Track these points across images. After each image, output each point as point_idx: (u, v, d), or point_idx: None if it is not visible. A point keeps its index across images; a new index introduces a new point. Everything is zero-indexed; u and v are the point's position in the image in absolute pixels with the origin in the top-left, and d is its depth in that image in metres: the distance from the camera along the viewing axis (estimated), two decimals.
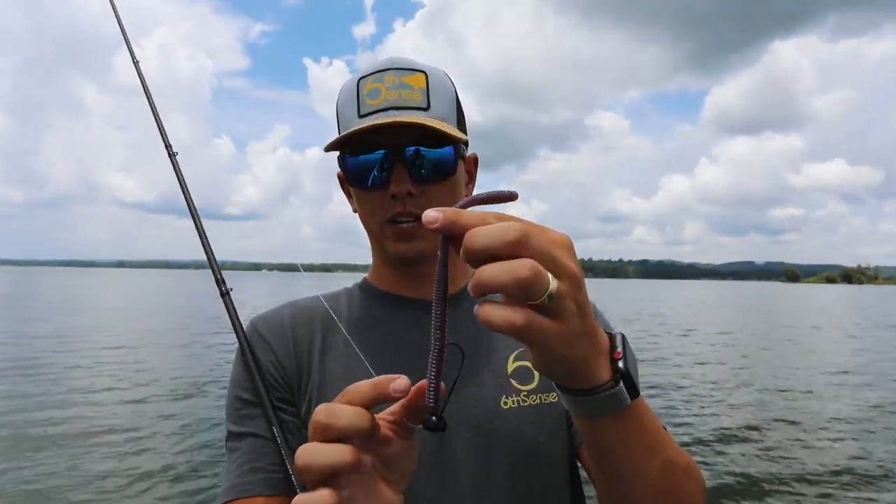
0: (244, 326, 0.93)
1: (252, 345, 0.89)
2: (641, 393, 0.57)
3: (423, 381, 0.50)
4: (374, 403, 0.49)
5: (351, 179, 0.88)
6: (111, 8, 1.35)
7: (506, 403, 0.85)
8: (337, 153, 0.89)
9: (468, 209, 0.45)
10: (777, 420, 8.06)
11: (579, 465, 0.89)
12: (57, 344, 13.55)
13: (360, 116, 0.84)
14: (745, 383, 10.75)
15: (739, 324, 24.41)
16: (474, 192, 0.98)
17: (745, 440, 7.04)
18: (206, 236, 1.07)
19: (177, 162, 1.15)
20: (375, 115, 0.83)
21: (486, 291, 0.43)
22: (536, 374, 0.87)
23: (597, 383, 0.53)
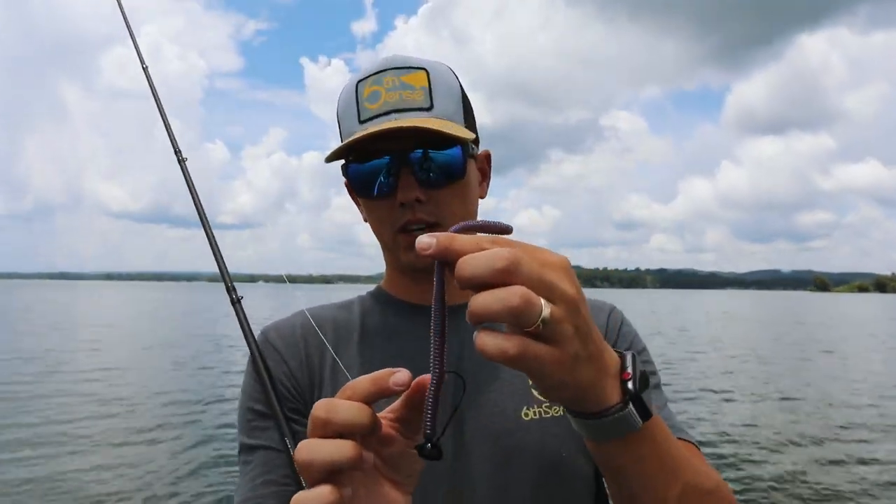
0: (258, 337, 0.94)
1: (264, 355, 0.90)
2: (656, 413, 0.57)
3: (426, 376, 0.50)
4: (375, 398, 0.50)
5: (357, 189, 0.89)
6: (118, 7, 1.41)
7: (527, 415, 0.85)
8: (342, 162, 0.89)
9: (462, 234, 0.47)
10: (832, 462, 7.96)
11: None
12: (43, 365, 13.60)
13: (361, 122, 0.84)
14: (785, 409, 10.63)
15: (767, 337, 24.22)
16: (488, 190, 0.98)
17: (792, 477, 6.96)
18: (216, 243, 1.09)
19: (186, 168, 1.17)
20: (376, 121, 0.83)
21: (479, 321, 0.44)
22: None
23: (604, 406, 0.53)
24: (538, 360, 0.46)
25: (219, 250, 1.08)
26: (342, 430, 0.49)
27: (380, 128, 0.80)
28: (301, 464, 0.49)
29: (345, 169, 0.89)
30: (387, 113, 0.83)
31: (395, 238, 0.87)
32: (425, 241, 0.46)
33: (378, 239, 0.94)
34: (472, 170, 0.90)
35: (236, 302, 1.01)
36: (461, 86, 0.91)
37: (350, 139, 0.82)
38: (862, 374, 13.98)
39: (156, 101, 1.25)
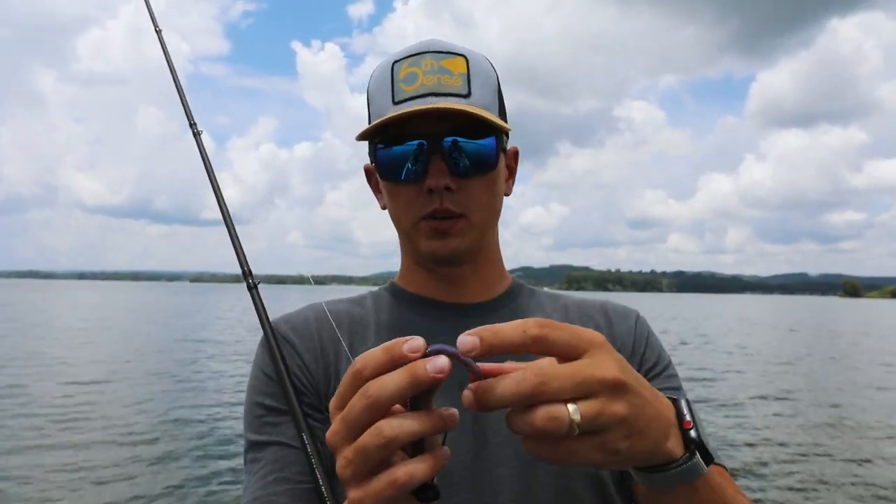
0: (262, 339, 0.95)
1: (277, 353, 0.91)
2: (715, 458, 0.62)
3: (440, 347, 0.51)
4: (389, 369, 0.50)
5: (383, 172, 0.90)
6: None
7: None
8: (367, 143, 0.91)
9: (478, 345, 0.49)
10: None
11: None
12: (7, 376, 13.50)
13: (395, 103, 0.86)
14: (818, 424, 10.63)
15: (798, 347, 24.23)
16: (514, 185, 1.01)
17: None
18: (233, 225, 1.09)
19: (201, 141, 1.19)
20: (412, 102, 0.84)
21: (517, 432, 0.50)
22: None
23: (670, 459, 0.57)
24: (580, 456, 0.50)
25: (236, 233, 1.09)
26: (393, 403, 0.49)
27: (418, 108, 0.82)
28: (383, 444, 0.49)
29: (372, 150, 0.91)
30: (423, 95, 0.84)
31: (417, 225, 0.89)
32: (468, 341, 0.49)
33: (397, 226, 0.96)
34: (502, 163, 0.93)
35: (253, 287, 1.03)
36: (498, 78, 0.94)
37: (385, 117, 0.84)
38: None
39: (170, 68, 1.26)
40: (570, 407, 0.49)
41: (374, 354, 0.51)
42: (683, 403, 0.61)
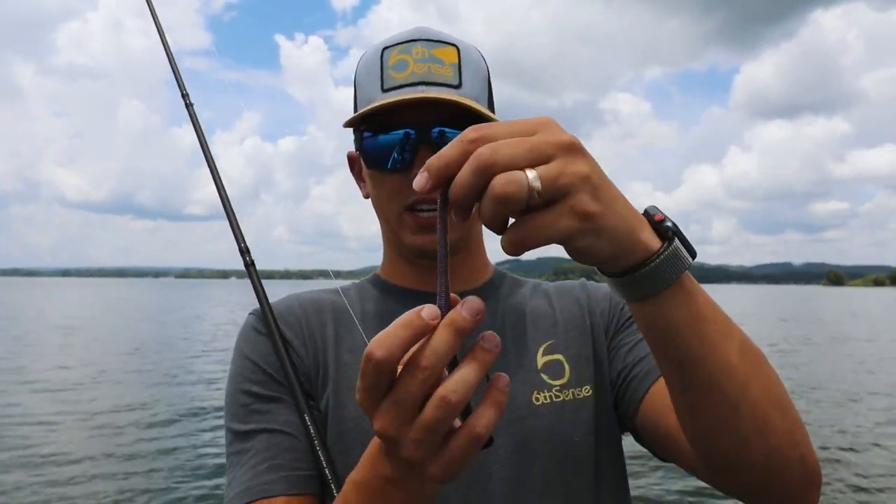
0: (247, 318, 0.94)
1: (262, 333, 0.90)
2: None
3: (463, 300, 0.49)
4: (412, 343, 0.48)
5: (368, 160, 0.89)
6: None
7: (538, 399, 0.87)
8: (352, 131, 0.90)
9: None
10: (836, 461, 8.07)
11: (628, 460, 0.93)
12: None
13: (384, 91, 0.85)
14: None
15: (787, 336, 24.48)
16: None
17: None
18: (228, 199, 1.07)
19: (194, 112, 1.16)
20: (402, 91, 0.83)
21: (492, 227, 0.48)
22: (567, 367, 0.91)
23: (651, 251, 0.53)
24: (550, 224, 0.47)
25: (231, 209, 1.06)
26: (441, 369, 0.48)
27: (408, 97, 0.81)
28: (455, 402, 0.47)
29: (358, 137, 0.89)
30: (413, 84, 0.83)
31: (401, 217, 0.88)
32: (420, 178, 0.48)
33: (380, 218, 0.94)
34: None
35: (250, 265, 1.01)
36: (488, 70, 0.93)
37: (374, 105, 0.83)
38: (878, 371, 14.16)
39: (160, 36, 1.24)
40: (529, 172, 0.46)
41: (394, 335, 0.47)
42: (651, 207, 0.58)
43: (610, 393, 0.92)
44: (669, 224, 0.55)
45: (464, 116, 0.83)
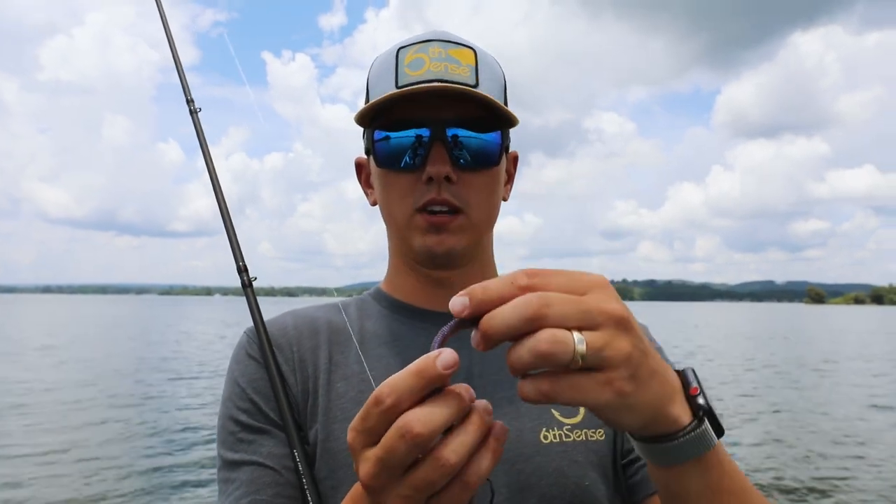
0: (241, 338, 0.90)
1: (254, 358, 0.87)
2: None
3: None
4: (422, 394, 0.46)
5: (380, 158, 0.85)
6: None
7: (546, 437, 0.83)
8: (363, 130, 0.87)
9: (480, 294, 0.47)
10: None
11: None
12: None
13: (399, 87, 0.81)
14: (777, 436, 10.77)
15: (773, 355, 24.59)
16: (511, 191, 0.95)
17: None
18: (228, 212, 1.03)
19: (198, 120, 1.13)
20: (417, 87, 0.80)
21: (519, 374, 0.46)
22: (582, 407, 0.86)
23: (678, 426, 0.53)
24: (585, 392, 0.46)
25: (231, 224, 1.02)
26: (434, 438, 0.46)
27: (425, 87, 0.78)
28: (419, 434, 0.45)
29: (369, 135, 0.86)
30: (429, 81, 0.80)
31: (412, 218, 0.84)
32: (458, 301, 0.47)
33: (388, 221, 0.90)
34: (504, 163, 0.89)
35: (247, 285, 0.97)
36: (504, 76, 0.90)
37: (388, 94, 0.79)
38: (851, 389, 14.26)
39: (168, 38, 1.20)
40: (576, 335, 0.45)
41: (405, 382, 0.46)
42: (691, 373, 0.57)
43: (621, 446, 0.87)
44: (702, 402, 0.54)
45: (479, 119, 0.81)
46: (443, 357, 0.46)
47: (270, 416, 0.83)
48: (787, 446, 9.01)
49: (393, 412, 0.46)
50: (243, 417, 0.84)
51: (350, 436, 0.49)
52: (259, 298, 0.94)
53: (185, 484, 6.87)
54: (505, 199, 0.93)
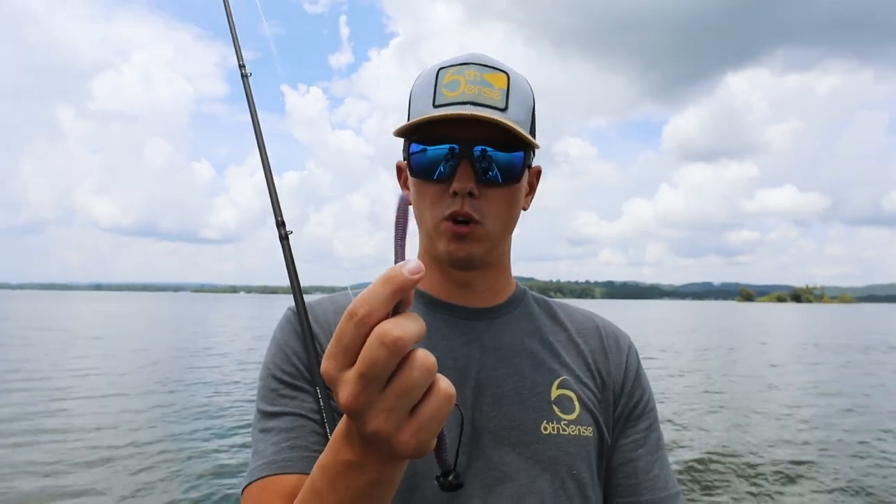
0: (285, 312, 0.88)
1: (296, 331, 0.84)
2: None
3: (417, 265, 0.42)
4: (395, 301, 0.42)
5: (414, 169, 0.83)
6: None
7: (545, 429, 0.81)
8: (403, 140, 0.85)
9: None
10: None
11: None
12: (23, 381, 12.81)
13: (435, 106, 0.79)
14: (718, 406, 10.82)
15: (711, 345, 24.72)
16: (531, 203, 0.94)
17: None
18: (270, 169, 1.01)
19: (249, 84, 1.10)
20: (452, 108, 0.78)
21: None
22: (578, 404, 0.84)
23: None
24: None
25: (273, 182, 1.00)
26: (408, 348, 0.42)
27: (457, 113, 0.75)
28: (395, 340, 0.41)
29: (406, 147, 0.83)
30: (463, 103, 0.78)
31: (438, 225, 0.81)
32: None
33: (419, 223, 0.87)
34: (525, 179, 0.86)
35: (284, 238, 0.94)
36: (534, 99, 0.87)
37: (424, 117, 0.77)
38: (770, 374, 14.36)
39: (227, 12, 1.16)
40: None
41: (375, 291, 0.42)
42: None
43: (603, 444, 0.86)
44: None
45: (506, 137, 0.79)
46: (409, 264, 0.42)
47: (310, 380, 0.80)
48: (734, 426, 9.03)
49: (368, 322, 0.42)
50: (286, 377, 0.80)
51: (325, 364, 0.44)
52: (280, 295, 0.91)
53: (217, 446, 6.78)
54: (525, 209, 0.90)
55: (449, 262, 0.84)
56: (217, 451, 6.91)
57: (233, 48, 1.16)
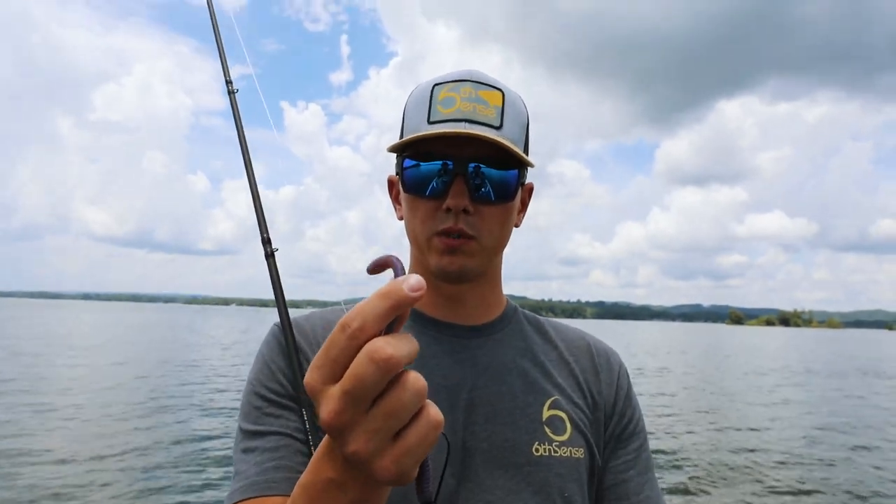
0: (271, 328, 0.85)
1: (282, 347, 0.82)
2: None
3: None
4: (392, 317, 0.40)
5: (407, 185, 0.81)
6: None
7: (537, 450, 0.79)
8: (395, 156, 0.84)
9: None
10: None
11: None
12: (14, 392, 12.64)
13: (430, 123, 0.78)
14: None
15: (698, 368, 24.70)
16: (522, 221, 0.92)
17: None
18: (256, 186, 0.99)
19: (235, 101, 1.09)
20: (446, 125, 0.76)
21: None
22: (569, 425, 0.83)
23: None
24: None
25: (258, 198, 0.98)
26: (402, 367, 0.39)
27: (451, 131, 0.74)
28: (388, 358, 0.38)
29: (399, 162, 0.82)
30: (458, 120, 0.77)
31: (430, 240, 0.80)
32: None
33: (411, 239, 0.86)
34: (518, 196, 0.85)
35: (270, 256, 0.92)
36: (528, 117, 0.86)
37: (419, 134, 0.76)
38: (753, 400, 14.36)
39: (213, 25, 1.15)
40: None
41: (371, 305, 0.39)
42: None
43: (594, 465, 0.84)
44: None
45: (500, 155, 0.78)
46: (410, 280, 0.39)
47: (294, 397, 0.78)
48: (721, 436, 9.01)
49: (360, 336, 0.39)
50: (270, 395, 0.78)
51: (310, 375, 0.41)
52: (271, 308, 0.90)
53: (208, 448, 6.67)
54: (517, 226, 0.89)
55: (441, 276, 0.82)
56: (203, 465, 6.80)
57: (232, 63, 1.17)
